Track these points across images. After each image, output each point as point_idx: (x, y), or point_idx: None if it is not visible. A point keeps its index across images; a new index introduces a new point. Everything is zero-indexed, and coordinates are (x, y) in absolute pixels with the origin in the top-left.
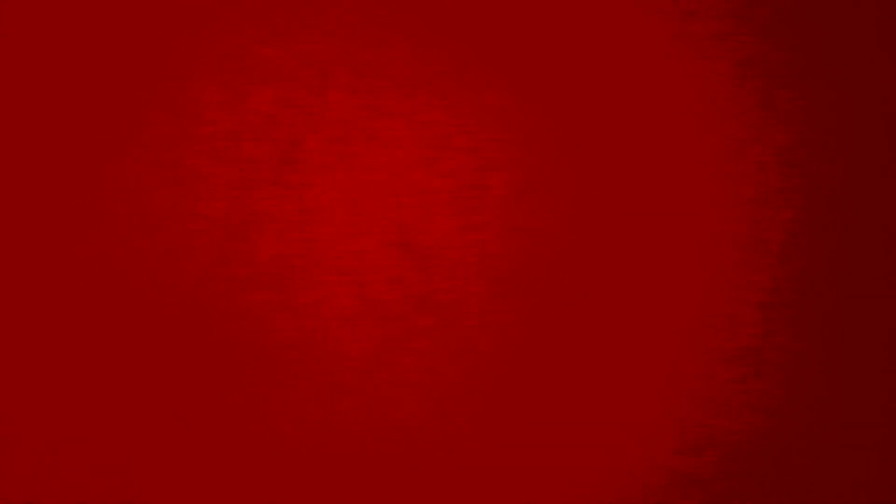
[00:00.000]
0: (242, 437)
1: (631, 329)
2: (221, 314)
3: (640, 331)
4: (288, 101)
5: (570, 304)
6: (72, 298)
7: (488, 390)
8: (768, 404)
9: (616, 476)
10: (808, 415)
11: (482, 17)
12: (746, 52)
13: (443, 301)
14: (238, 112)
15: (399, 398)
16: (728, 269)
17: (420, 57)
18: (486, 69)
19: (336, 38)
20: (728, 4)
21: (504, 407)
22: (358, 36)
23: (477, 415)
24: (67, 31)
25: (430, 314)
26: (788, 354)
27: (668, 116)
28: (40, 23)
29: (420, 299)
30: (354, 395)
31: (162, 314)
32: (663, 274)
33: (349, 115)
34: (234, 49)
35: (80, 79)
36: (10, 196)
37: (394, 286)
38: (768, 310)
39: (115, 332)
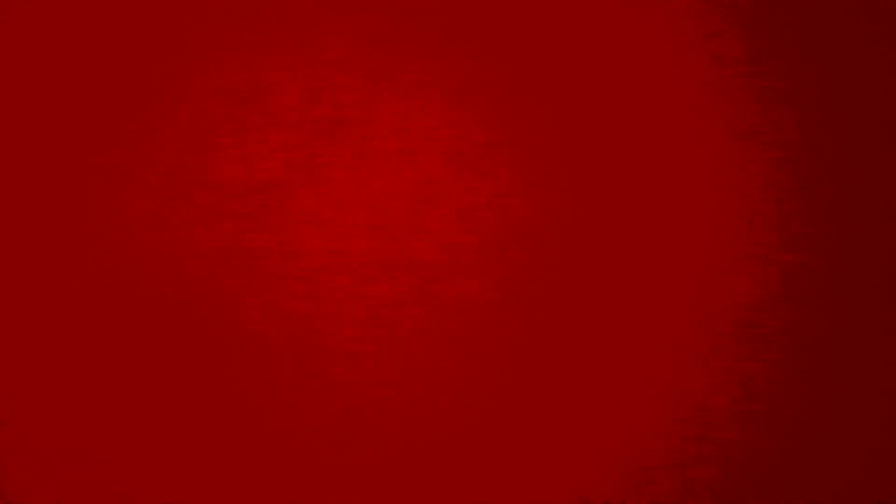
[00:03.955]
0: (241, 436)
1: (628, 329)
2: (220, 314)
3: (638, 331)
4: (291, 103)
5: (569, 303)
6: (73, 298)
7: (489, 388)
8: (767, 405)
9: (613, 477)
10: (807, 417)
11: (488, 21)
12: (746, 51)
13: (443, 300)
14: (245, 114)
15: (397, 398)
16: (726, 270)
17: (426, 60)
18: (491, 69)
19: (341, 43)
20: (727, 4)
21: (503, 406)
22: (363, 40)
23: (475, 413)
24: (78, 31)
25: (430, 314)
26: (788, 355)
27: (667, 116)
28: (56, 19)
29: (419, 299)
30: (354, 394)
31: (162, 312)
32: (662, 273)
33: (351, 116)
34: (243, 55)
35: (87, 80)
36: (12, 196)
37: (393, 286)
38: (767, 311)
39: (116, 332)
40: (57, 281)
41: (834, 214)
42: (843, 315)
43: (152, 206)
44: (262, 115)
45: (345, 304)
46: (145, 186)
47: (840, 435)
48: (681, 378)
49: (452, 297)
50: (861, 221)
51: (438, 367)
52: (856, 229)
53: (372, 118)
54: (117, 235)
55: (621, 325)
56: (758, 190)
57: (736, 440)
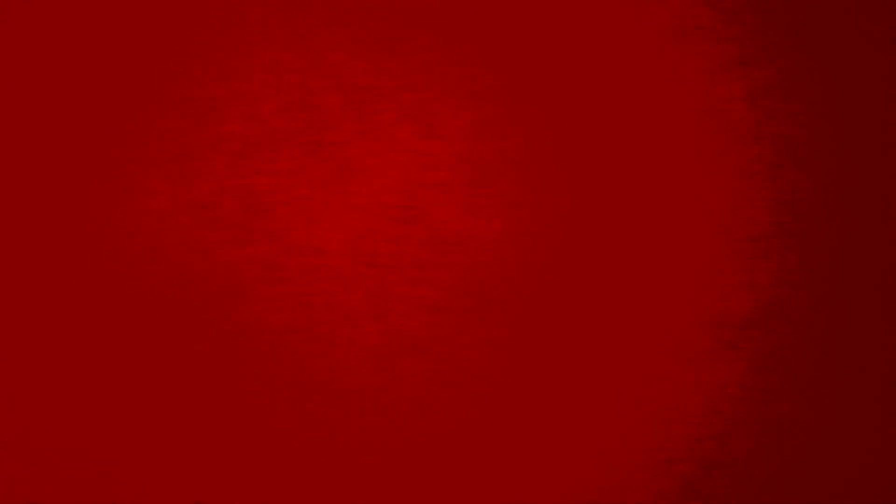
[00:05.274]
0: (243, 434)
1: (626, 329)
2: (222, 310)
3: (636, 330)
4: (290, 98)
5: (568, 301)
6: (73, 296)
7: (489, 385)
8: (765, 404)
9: (612, 477)
10: (805, 414)
11: (486, 21)
12: (744, 50)
13: (443, 302)
14: (242, 108)
15: (397, 396)
16: (724, 268)
17: (427, 58)
18: (490, 68)
19: (340, 39)
20: (726, 4)
21: (502, 404)
22: (363, 36)
23: (476, 410)
24: (74, 26)
25: (429, 315)
26: (786, 354)
27: (666, 115)
28: (52, 13)
29: (418, 301)
30: (354, 390)
31: (163, 307)
32: (660, 272)
33: (352, 114)
34: (240, 48)
35: (82, 75)
36: (13, 196)
37: (392, 284)
38: (765, 309)
39: (117, 329)
40: (50, 283)
41: (833, 214)
42: (843, 315)
43: (147, 209)
44: (257, 113)
45: (344, 305)
46: (141, 188)
47: (839, 436)
48: (679, 379)
49: (452, 299)
50: (861, 222)
51: (438, 368)
52: (856, 229)
53: (370, 119)
54: (113, 237)
55: (619, 327)
56: (756, 189)
57: (734, 442)
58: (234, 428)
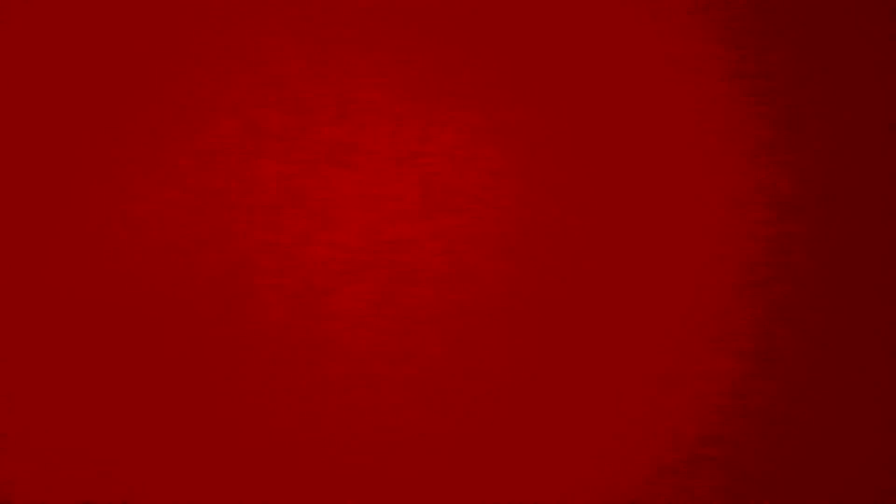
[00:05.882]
0: (242, 433)
1: (627, 329)
2: (221, 309)
3: (637, 330)
4: (287, 100)
5: (568, 303)
6: (73, 295)
7: (487, 385)
8: (766, 403)
9: (613, 475)
10: (807, 415)
11: (482, 19)
12: (745, 52)
13: (445, 302)
14: (238, 110)
15: (394, 395)
16: (726, 268)
17: (423, 60)
18: (486, 68)
19: (337, 41)
20: (726, 4)
21: (502, 404)
22: (360, 39)
23: (473, 410)
24: (73, 28)
25: (432, 316)
26: (786, 354)
27: (667, 116)
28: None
29: (417, 296)
30: (352, 391)
31: (163, 306)
32: (661, 272)
33: (354, 116)
34: (240, 50)
35: (82, 76)
36: (11, 197)
37: (392, 283)
38: (767, 309)
39: (117, 328)
40: (55, 282)
41: (835, 215)
42: (844, 315)
43: (154, 209)
44: (263, 116)
45: (345, 305)
46: (147, 188)
47: (839, 436)
48: (678, 379)
49: (454, 299)
50: (860, 223)
51: (439, 368)
52: (858, 230)
53: (372, 122)
54: (113, 237)
55: (619, 328)
56: (756, 190)
57: (735, 441)
58: (235, 427)
